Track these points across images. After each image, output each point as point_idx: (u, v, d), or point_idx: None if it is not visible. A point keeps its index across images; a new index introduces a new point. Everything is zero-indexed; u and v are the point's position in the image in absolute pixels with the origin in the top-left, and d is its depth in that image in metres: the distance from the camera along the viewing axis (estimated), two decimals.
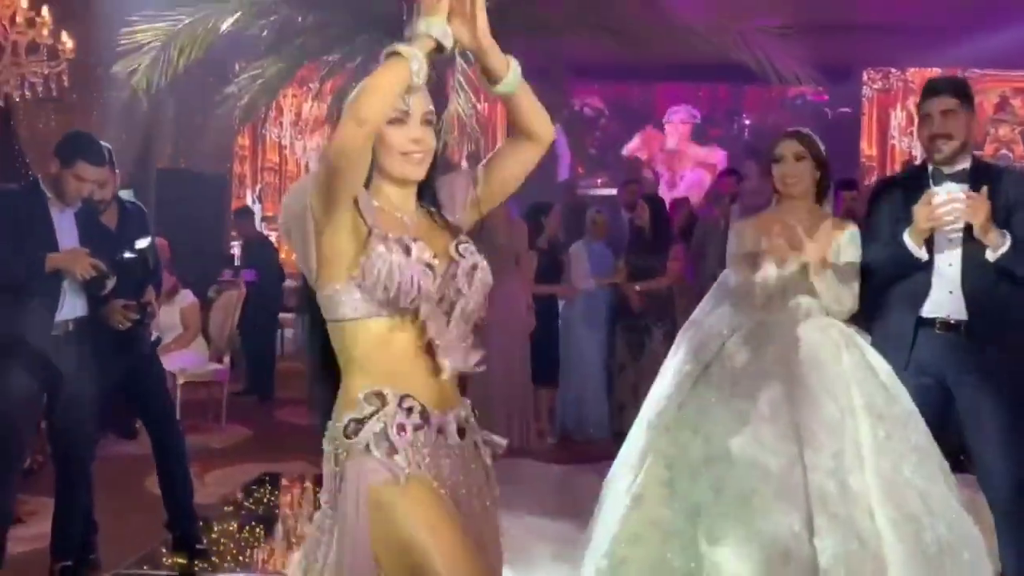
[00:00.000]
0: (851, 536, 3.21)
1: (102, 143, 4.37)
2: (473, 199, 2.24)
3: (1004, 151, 11.77)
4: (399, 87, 2.00)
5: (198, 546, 4.63)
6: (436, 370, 2.08)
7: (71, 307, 4.11)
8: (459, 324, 2.09)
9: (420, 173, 2.15)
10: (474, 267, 2.11)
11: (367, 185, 2.11)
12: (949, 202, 3.42)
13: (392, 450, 2.01)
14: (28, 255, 4.01)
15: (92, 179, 4.13)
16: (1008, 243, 3.43)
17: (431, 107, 2.15)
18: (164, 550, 4.63)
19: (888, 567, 3.18)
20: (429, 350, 2.07)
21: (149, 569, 4.46)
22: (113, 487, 5.11)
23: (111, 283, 4.17)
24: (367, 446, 2.00)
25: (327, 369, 2.16)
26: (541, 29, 6.43)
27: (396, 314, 2.04)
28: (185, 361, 7.45)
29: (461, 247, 2.13)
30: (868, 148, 12.35)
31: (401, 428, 2.02)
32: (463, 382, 2.27)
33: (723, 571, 3.21)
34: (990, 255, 3.46)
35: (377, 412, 2.02)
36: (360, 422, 2.02)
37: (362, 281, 2.00)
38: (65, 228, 4.16)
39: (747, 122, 12.94)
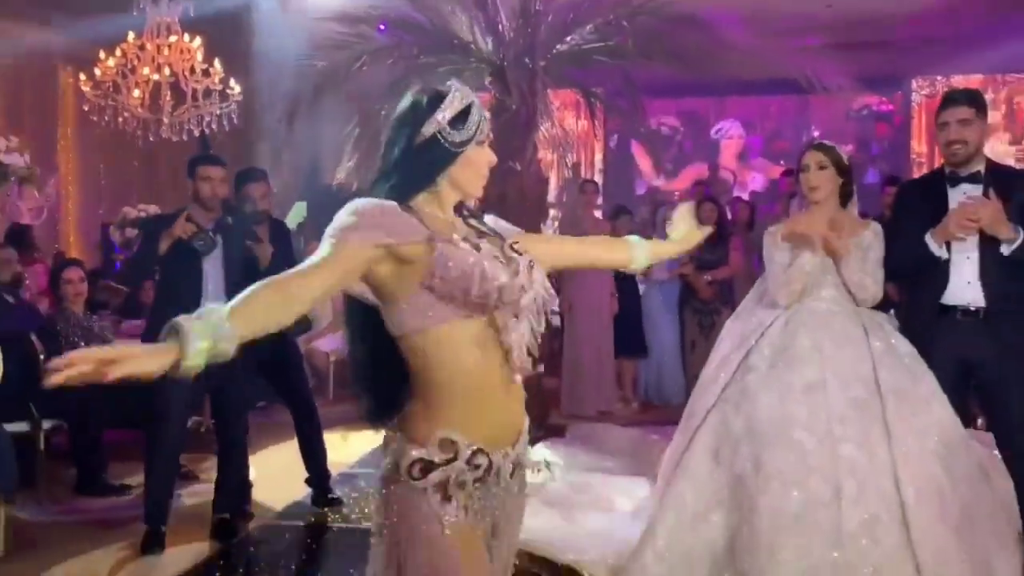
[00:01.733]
0: (878, 504, 2.95)
1: (258, 168, 4.58)
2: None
3: None
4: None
5: (330, 496, 4.62)
6: (508, 382, 1.78)
7: None
8: (529, 317, 1.77)
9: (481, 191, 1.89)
10: (531, 263, 1.79)
11: (419, 191, 1.79)
12: (971, 217, 3.15)
13: (446, 498, 1.73)
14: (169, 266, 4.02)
15: (217, 177, 4.10)
16: (1020, 238, 3.12)
17: None
18: (306, 503, 4.62)
19: (913, 531, 2.90)
20: (500, 359, 1.76)
21: (289, 521, 4.45)
22: (271, 449, 5.17)
23: (217, 244, 4.05)
24: (425, 490, 1.72)
25: (380, 380, 1.84)
26: (617, 57, 6.18)
27: (472, 315, 1.71)
28: (337, 343, 7.50)
29: (515, 246, 1.84)
30: (918, 146, 11.60)
31: (462, 485, 1.74)
32: (552, 362, 2.00)
33: (761, 539, 2.98)
34: (1004, 249, 3.16)
35: (446, 464, 1.72)
36: (428, 467, 1.72)
37: (434, 282, 1.67)
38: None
39: (816, 133, 12.26)
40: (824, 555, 2.88)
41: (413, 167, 1.79)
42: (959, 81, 11.02)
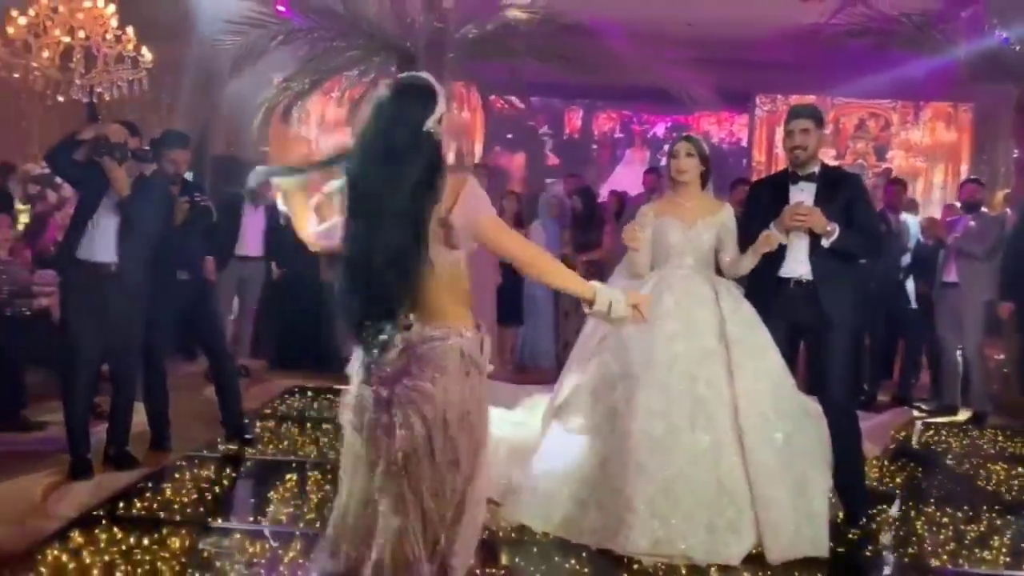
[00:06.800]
0: (722, 430, 3.48)
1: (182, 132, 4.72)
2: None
3: (860, 161, 12.00)
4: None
5: (246, 436, 4.86)
6: None
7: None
8: None
9: None
10: None
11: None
12: (800, 215, 3.73)
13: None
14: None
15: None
16: (836, 234, 3.73)
17: None
18: (220, 439, 4.84)
19: (748, 453, 3.46)
20: None
21: (209, 452, 4.66)
22: (184, 394, 5.31)
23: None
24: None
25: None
26: (509, 56, 6.59)
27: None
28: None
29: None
30: (759, 155, 12.57)
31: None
32: None
33: (631, 457, 3.46)
34: (824, 242, 3.76)
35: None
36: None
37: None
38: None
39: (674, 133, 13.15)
40: (681, 470, 3.41)
41: (432, 153, 2.05)
42: (796, 100, 12.02)
